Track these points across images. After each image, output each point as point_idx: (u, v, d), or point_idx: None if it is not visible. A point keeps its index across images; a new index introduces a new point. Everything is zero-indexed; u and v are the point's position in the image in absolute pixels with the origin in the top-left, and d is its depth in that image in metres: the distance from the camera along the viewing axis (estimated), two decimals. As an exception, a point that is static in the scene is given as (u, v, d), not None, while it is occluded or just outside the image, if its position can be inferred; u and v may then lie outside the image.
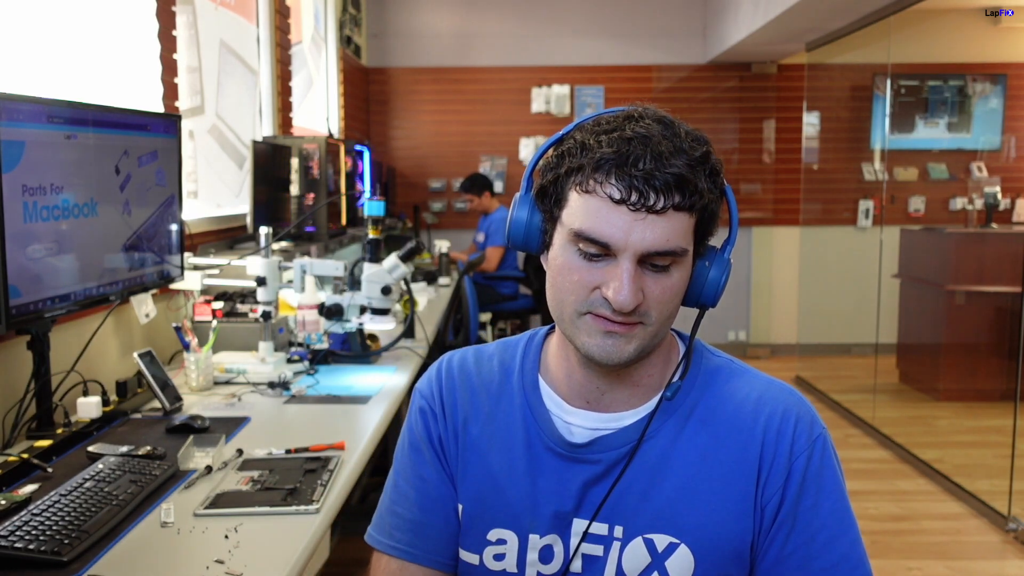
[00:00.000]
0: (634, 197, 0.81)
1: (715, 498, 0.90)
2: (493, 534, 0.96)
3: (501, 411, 0.99)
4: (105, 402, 1.87)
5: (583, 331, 0.87)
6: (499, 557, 0.96)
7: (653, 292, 0.85)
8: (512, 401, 0.99)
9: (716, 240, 0.94)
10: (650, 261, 0.84)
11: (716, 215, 0.89)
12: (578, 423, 0.95)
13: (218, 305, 2.46)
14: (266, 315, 2.32)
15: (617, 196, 0.82)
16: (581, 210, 0.85)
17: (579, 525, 0.92)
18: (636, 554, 0.90)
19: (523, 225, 0.93)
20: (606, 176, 0.83)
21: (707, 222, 0.88)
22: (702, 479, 0.91)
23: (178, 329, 2.14)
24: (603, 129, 0.86)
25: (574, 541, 0.92)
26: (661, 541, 0.89)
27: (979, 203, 5.59)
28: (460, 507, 0.99)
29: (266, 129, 3.86)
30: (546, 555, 0.93)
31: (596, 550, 0.92)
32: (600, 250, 0.84)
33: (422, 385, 1.05)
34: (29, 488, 1.41)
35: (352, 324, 2.40)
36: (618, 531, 0.91)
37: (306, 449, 1.64)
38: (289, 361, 2.33)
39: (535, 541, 0.94)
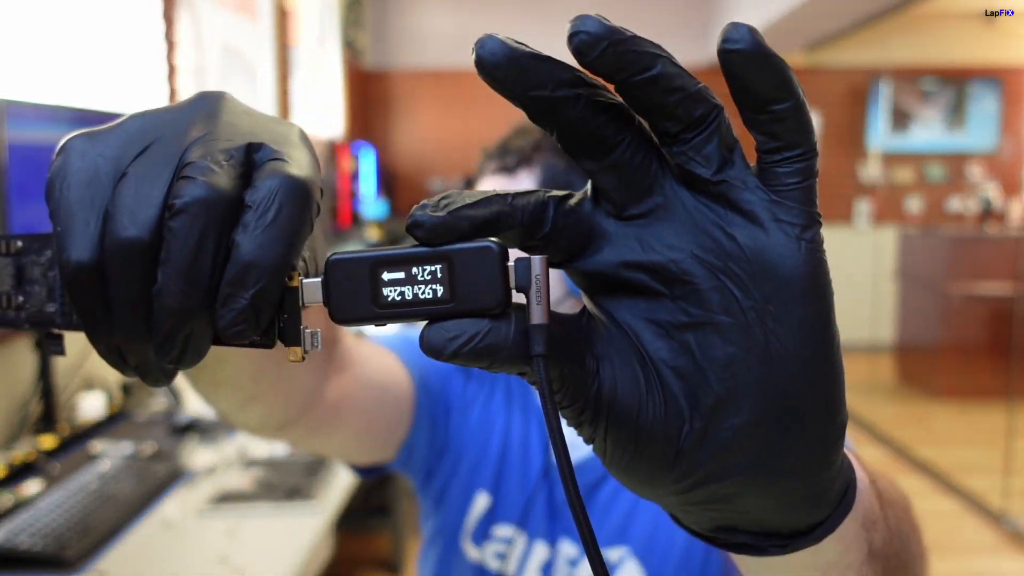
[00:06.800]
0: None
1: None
2: (498, 530, 0.94)
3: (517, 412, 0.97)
4: (109, 402, 1.89)
5: None
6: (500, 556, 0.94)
7: None
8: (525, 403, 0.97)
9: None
10: None
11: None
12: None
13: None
14: (267, 316, 2.33)
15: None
16: None
17: (564, 544, 0.91)
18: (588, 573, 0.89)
19: None
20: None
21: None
22: None
23: (180, 330, 2.16)
24: None
25: (558, 558, 0.91)
26: (612, 555, 0.88)
27: (975, 205, 5.61)
28: (483, 496, 0.94)
29: (267, 130, 3.87)
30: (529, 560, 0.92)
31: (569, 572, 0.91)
32: None
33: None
34: (33, 487, 1.43)
35: (352, 325, 2.41)
36: (572, 551, 0.90)
37: (306, 449, 1.66)
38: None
39: (538, 547, 0.92)
